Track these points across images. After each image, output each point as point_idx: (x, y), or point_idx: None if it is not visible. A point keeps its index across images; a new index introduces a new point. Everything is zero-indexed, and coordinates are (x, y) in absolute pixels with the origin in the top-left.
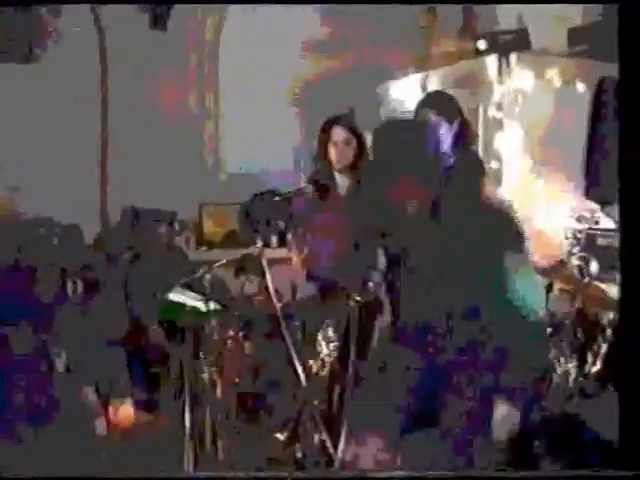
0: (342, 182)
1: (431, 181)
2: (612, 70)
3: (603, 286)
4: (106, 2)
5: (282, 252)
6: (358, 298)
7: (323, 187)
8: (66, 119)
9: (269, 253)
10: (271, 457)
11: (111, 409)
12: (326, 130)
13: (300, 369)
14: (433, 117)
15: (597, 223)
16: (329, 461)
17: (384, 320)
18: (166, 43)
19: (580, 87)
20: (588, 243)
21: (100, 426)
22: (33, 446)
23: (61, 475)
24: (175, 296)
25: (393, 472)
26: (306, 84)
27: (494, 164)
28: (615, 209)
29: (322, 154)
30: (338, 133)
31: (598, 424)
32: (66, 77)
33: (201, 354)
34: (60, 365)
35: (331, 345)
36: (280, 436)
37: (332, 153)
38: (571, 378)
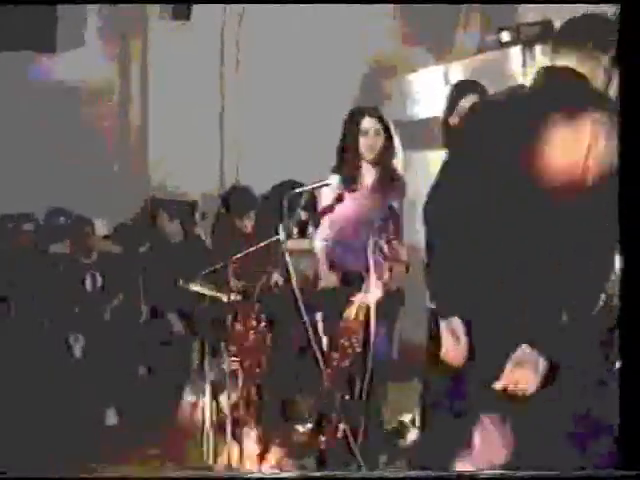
0: (369, 173)
1: None
2: None
3: None
4: (127, 2)
5: (303, 243)
6: (379, 289)
7: (349, 178)
8: (88, 110)
9: (290, 244)
10: (293, 448)
11: None
12: (354, 120)
13: (322, 360)
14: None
15: None
16: (351, 454)
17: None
18: (190, 39)
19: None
20: None
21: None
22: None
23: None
24: (196, 287)
25: (394, 472)
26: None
27: None
28: None
29: (350, 145)
30: (368, 123)
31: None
32: (87, 69)
33: (222, 345)
34: (77, 351)
35: (353, 336)
36: (301, 427)
37: (362, 143)
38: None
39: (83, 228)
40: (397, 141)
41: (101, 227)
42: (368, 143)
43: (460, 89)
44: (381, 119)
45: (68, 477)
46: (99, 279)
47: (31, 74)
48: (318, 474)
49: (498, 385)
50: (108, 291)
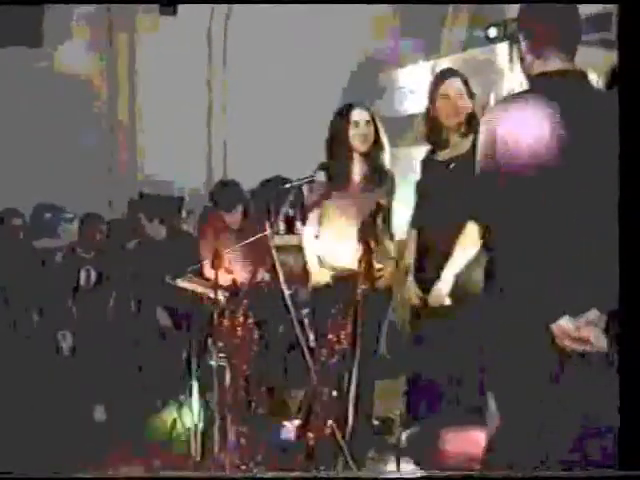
0: (358, 169)
1: None
2: None
3: None
4: (116, 2)
5: (291, 239)
6: (365, 285)
7: (337, 174)
8: (75, 105)
9: (278, 240)
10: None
11: None
12: (344, 113)
13: (310, 357)
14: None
15: None
16: (339, 450)
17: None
18: (177, 35)
19: (592, 76)
20: None
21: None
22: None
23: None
24: (183, 282)
25: (394, 472)
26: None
27: None
28: None
29: (340, 138)
30: (359, 114)
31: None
32: (74, 64)
33: (209, 341)
34: (66, 348)
35: (342, 332)
36: (289, 424)
37: (353, 135)
38: None
39: (94, 223)
40: (384, 136)
41: None
42: (360, 133)
43: (437, 77)
44: (370, 112)
45: (64, 477)
46: (93, 275)
47: (17, 70)
48: (312, 475)
49: (567, 341)
50: (100, 287)
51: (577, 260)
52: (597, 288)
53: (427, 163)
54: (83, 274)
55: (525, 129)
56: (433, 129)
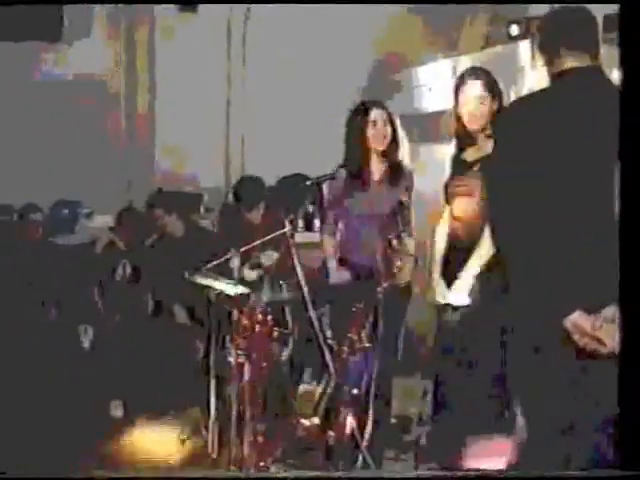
0: (377, 166)
1: None
2: None
3: None
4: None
5: (310, 236)
6: (385, 284)
7: (357, 172)
8: (94, 101)
9: (298, 237)
10: (300, 444)
11: None
12: (362, 112)
13: (329, 355)
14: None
15: None
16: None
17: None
18: (196, 31)
19: (614, 74)
20: None
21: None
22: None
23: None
24: (202, 279)
25: (394, 473)
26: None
27: None
28: None
29: (358, 137)
30: (377, 113)
31: None
32: (93, 60)
33: (228, 338)
34: (86, 341)
35: (362, 331)
36: (307, 422)
37: (371, 134)
38: None
39: (134, 218)
40: (401, 133)
41: (108, 219)
42: (378, 133)
43: (458, 79)
44: (387, 111)
45: (69, 477)
46: (128, 270)
47: (36, 66)
48: (330, 474)
49: (583, 338)
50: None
51: (581, 257)
52: (598, 285)
53: (455, 162)
54: (120, 268)
55: (541, 127)
56: (459, 128)
